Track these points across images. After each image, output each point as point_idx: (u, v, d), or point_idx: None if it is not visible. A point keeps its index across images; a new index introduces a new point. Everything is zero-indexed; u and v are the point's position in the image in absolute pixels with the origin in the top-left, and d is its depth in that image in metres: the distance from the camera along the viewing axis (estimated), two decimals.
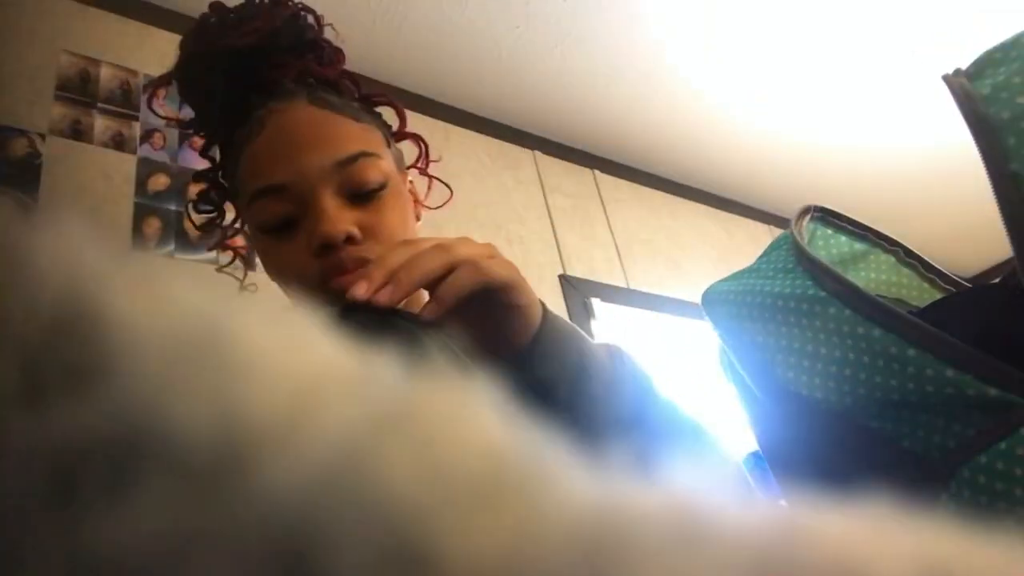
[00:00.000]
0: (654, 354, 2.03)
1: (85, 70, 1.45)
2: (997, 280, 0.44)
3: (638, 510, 0.09)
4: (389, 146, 0.57)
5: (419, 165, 0.65)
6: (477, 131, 2.14)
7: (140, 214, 1.36)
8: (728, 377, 0.54)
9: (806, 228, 0.56)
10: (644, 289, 2.21)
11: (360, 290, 0.37)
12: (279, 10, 0.54)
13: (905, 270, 0.59)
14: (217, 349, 0.10)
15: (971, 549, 0.09)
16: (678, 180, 2.67)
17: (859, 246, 0.59)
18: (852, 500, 0.10)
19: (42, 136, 1.32)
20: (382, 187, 0.52)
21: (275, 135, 0.51)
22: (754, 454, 1.47)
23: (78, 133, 1.37)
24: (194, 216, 0.61)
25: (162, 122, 1.50)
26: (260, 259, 0.55)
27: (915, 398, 0.38)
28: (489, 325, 0.43)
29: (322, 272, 0.49)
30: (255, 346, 0.11)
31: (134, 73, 1.52)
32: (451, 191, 0.66)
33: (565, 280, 2.00)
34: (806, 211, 0.57)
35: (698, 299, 0.57)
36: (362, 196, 0.51)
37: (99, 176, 1.36)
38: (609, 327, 1.96)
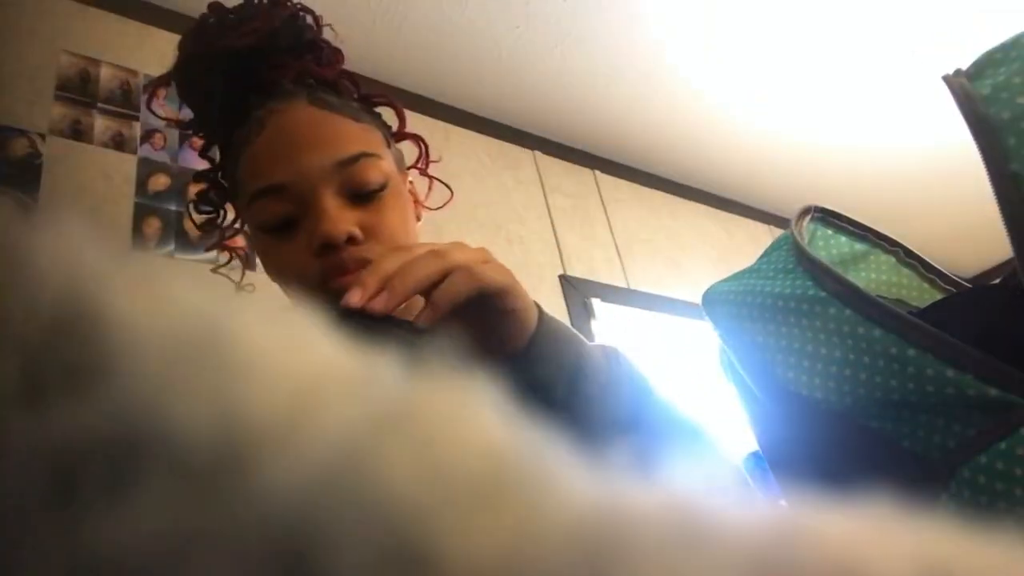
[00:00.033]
0: (654, 354, 2.03)
1: (85, 70, 1.45)
2: (997, 280, 0.44)
3: (638, 510, 0.09)
4: (389, 146, 0.57)
5: (419, 166, 0.65)
6: (477, 131, 2.14)
7: (140, 214, 1.36)
8: (728, 377, 0.54)
9: (806, 228, 0.56)
10: (644, 289, 2.21)
11: (354, 297, 0.37)
12: (278, 11, 0.54)
13: (905, 270, 0.59)
14: (217, 349, 0.10)
15: (971, 549, 0.09)
16: (678, 180, 2.67)
17: (859, 246, 0.59)
18: (852, 500, 0.10)
19: (42, 136, 1.32)
20: (383, 187, 0.52)
21: (275, 135, 0.51)
22: (754, 454, 1.47)
23: (78, 133, 1.37)
24: (194, 216, 0.61)
25: (162, 122, 1.50)
26: (260, 259, 0.55)
27: (915, 398, 0.38)
28: (484, 330, 0.43)
29: (323, 272, 0.49)
30: (255, 346, 0.11)
31: (134, 73, 1.52)
32: (451, 192, 0.66)
33: (565, 280, 2.00)
34: (806, 211, 0.57)
35: (698, 299, 0.57)
36: (363, 196, 0.51)
37: (99, 176, 1.36)
38: (609, 327, 1.96)
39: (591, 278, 2.08)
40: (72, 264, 0.11)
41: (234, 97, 0.53)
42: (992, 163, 0.35)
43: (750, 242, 2.73)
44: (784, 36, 2.10)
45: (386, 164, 0.53)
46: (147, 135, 1.46)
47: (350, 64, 0.60)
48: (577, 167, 2.37)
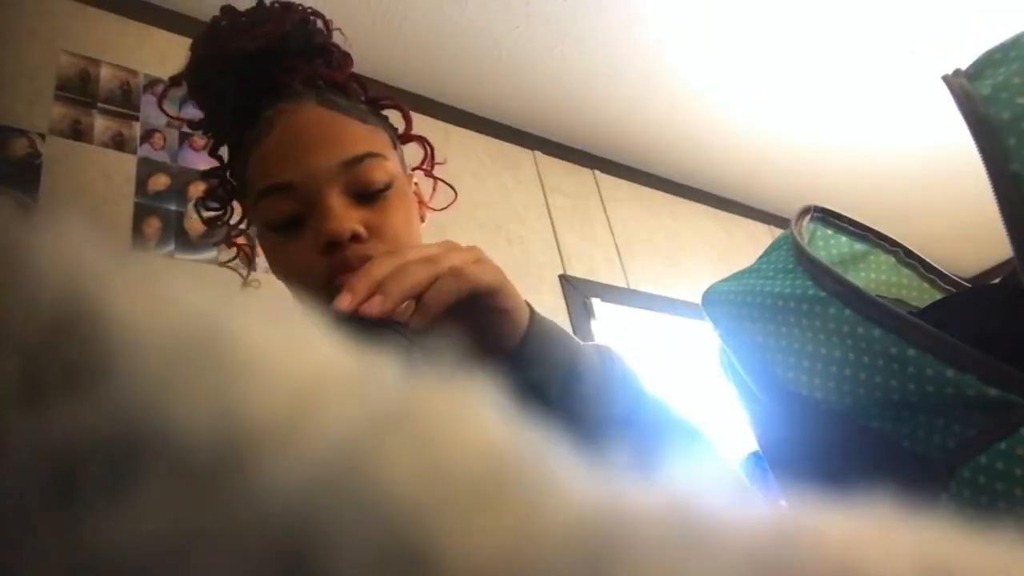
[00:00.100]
0: (654, 354, 2.03)
1: (85, 70, 1.45)
2: (997, 280, 0.44)
3: (638, 510, 0.09)
4: (395, 148, 0.58)
5: (424, 167, 0.65)
6: (477, 131, 2.14)
7: (140, 214, 1.36)
8: (728, 377, 0.54)
9: (806, 228, 0.56)
10: (644, 289, 2.21)
11: (343, 302, 0.38)
12: (289, 14, 0.55)
13: (905, 270, 0.59)
14: (217, 349, 0.10)
15: (971, 549, 0.09)
16: (678, 180, 2.67)
17: (859, 246, 0.59)
18: (852, 500, 0.10)
19: (42, 136, 1.32)
20: (387, 187, 0.52)
21: (283, 135, 0.52)
22: (754, 454, 1.47)
23: (78, 133, 1.37)
24: (201, 213, 0.62)
25: (162, 122, 1.50)
26: (266, 258, 0.55)
27: (915, 398, 0.38)
28: (477, 330, 0.44)
29: (328, 270, 0.49)
30: (255, 346, 0.11)
31: (134, 73, 1.52)
32: (455, 193, 0.66)
33: (565, 280, 2.00)
34: (806, 211, 0.57)
35: (698, 299, 0.57)
36: (368, 196, 0.52)
37: (99, 176, 1.36)
38: (609, 327, 1.96)
39: (591, 278, 2.08)
40: (72, 264, 0.11)
41: (245, 98, 0.54)
42: (992, 163, 0.35)
43: (750, 242, 2.73)
44: (784, 36, 2.10)
45: (391, 165, 0.54)
46: (147, 135, 1.46)
47: None
48: (577, 167, 2.37)
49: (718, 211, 2.77)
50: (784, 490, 0.49)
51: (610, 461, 0.11)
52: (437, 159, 0.66)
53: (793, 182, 2.76)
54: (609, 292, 2.09)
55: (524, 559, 0.08)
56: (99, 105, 1.43)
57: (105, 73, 1.48)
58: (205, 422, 0.09)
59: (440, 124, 2.05)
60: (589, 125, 2.32)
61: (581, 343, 0.49)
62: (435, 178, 0.66)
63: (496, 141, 2.18)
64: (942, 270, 0.58)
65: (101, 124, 1.41)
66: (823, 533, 0.09)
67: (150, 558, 0.08)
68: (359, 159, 0.51)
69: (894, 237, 0.59)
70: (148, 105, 1.50)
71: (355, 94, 0.58)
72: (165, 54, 1.59)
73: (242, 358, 0.10)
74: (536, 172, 2.23)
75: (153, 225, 1.37)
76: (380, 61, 1.91)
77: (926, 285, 0.58)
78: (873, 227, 0.59)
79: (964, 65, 0.41)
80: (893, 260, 0.59)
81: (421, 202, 0.61)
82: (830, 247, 0.58)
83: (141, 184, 1.39)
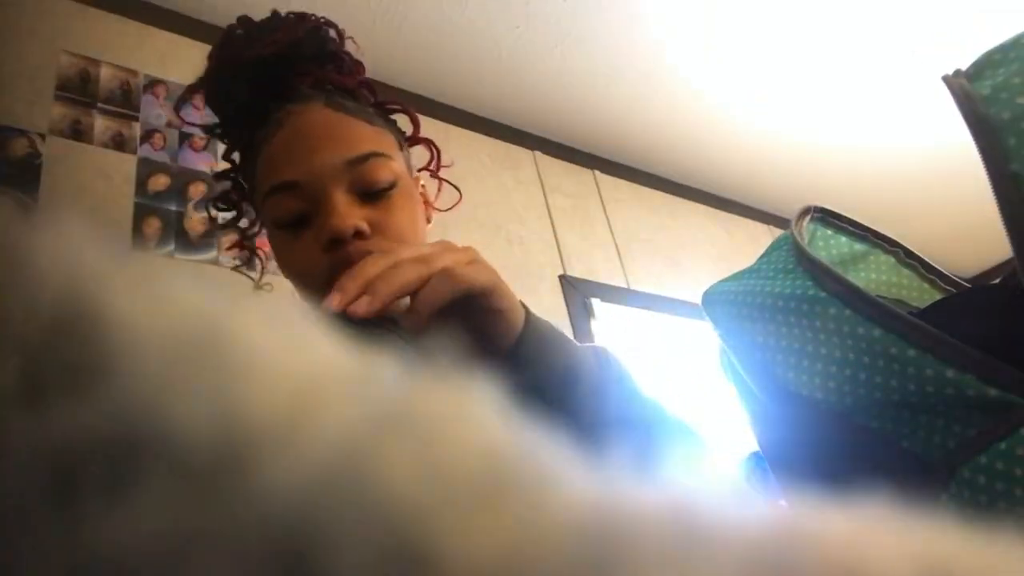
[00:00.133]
0: (654, 354, 2.03)
1: (85, 70, 1.45)
2: (997, 281, 0.44)
3: (638, 510, 0.09)
4: (401, 149, 0.59)
5: (431, 167, 0.66)
6: (477, 131, 2.14)
7: (140, 214, 1.36)
8: (728, 377, 0.54)
9: (806, 229, 0.56)
10: (644, 289, 2.21)
11: (333, 302, 0.38)
12: (302, 23, 0.57)
13: (905, 271, 0.59)
14: (217, 349, 0.10)
15: (971, 549, 0.09)
16: (678, 180, 2.67)
17: (859, 247, 0.59)
18: (852, 500, 0.10)
19: (42, 136, 1.32)
20: (392, 186, 0.53)
21: (291, 135, 0.53)
22: (754, 454, 1.47)
23: (78, 133, 1.37)
24: (213, 214, 0.63)
25: (162, 122, 1.50)
26: (275, 256, 0.56)
27: (915, 398, 0.38)
28: (471, 330, 0.44)
29: (331, 266, 0.49)
30: (255, 346, 0.11)
31: (134, 73, 1.52)
32: (460, 194, 0.67)
33: (565, 280, 2.00)
34: (806, 211, 0.57)
35: (698, 299, 0.57)
36: (372, 194, 0.52)
37: (99, 176, 1.36)
38: (609, 327, 1.96)
39: (591, 278, 2.08)
40: (72, 264, 0.11)
41: (258, 103, 0.56)
42: (992, 163, 0.35)
43: (750, 242, 2.73)
44: (784, 36, 2.10)
45: (396, 165, 0.55)
46: (147, 135, 1.46)
47: None
48: (577, 167, 2.37)
49: (718, 211, 2.77)
50: (784, 490, 0.49)
51: (609, 461, 0.11)
52: (448, 163, 0.67)
53: (793, 182, 2.76)
54: (609, 292, 2.09)
55: (524, 559, 0.08)
56: (99, 105, 1.43)
57: (105, 73, 1.48)
58: (205, 422, 0.09)
59: (440, 124, 2.05)
60: (589, 125, 2.32)
61: (577, 344, 0.49)
62: (440, 179, 0.67)
63: (496, 141, 2.18)
64: (942, 270, 0.58)
65: (101, 124, 1.41)
66: (823, 533, 0.09)
67: (150, 558, 0.08)
68: (364, 158, 0.52)
69: (894, 237, 0.59)
70: (148, 105, 1.50)
71: (364, 99, 0.59)
72: (165, 54, 1.59)
73: (242, 358, 0.10)
74: (536, 172, 2.23)
75: (153, 225, 1.37)
76: (380, 61, 1.91)
77: (926, 285, 0.58)
78: (873, 227, 0.59)
79: (964, 65, 0.41)
80: (893, 260, 0.59)
81: (427, 203, 0.62)
82: (830, 247, 0.58)
83: (141, 184, 1.39)
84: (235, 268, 0.66)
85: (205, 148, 1.49)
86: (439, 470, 0.09)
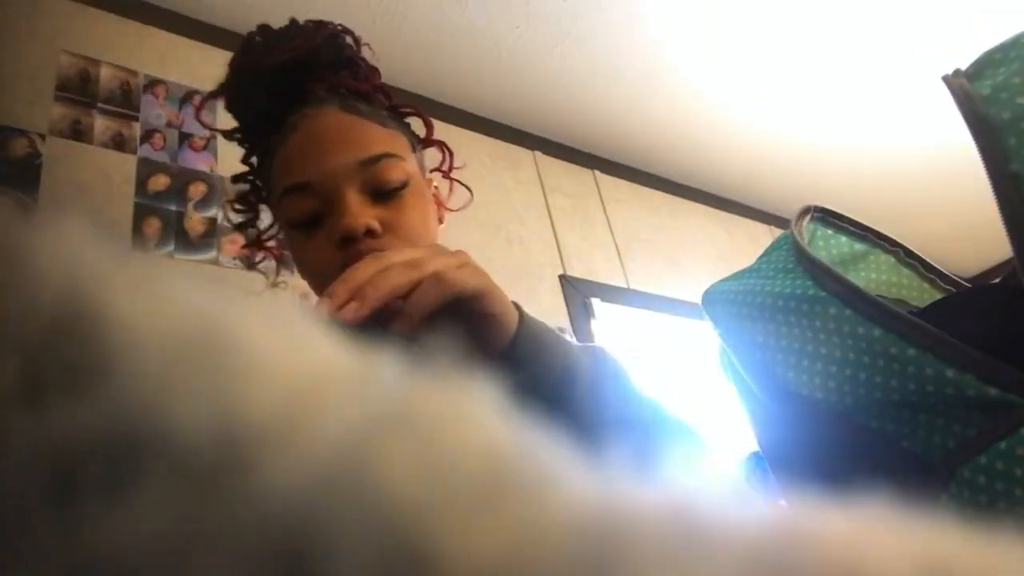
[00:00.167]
0: (654, 354, 2.03)
1: (85, 70, 1.45)
2: (997, 280, 0.44)
3: (637, 510, 0.09)
4: (414, 151, 0.60)
5: (442, 168, 0.68)
6: (477, 131, 2.14)
7: (140, 214, 1.36)
8: (728, 377, 0.54)
9: (806, 228, 0.56)
10: (644, 289, 2.21)
11: (323, 307, 0.38)
12: (320, 31, 0.58)
13: (905, 270, 0.59)
14: (217, 349, 0.10)
15: (971, 549, 0.09)
16: (678, 180, 2.67)
17: (859, 246, 0.59)
18: (852, 500, 0.10)
19: (42, 136, 1.32)
20: (404, 186, 0.54)
21: (305, 137, 0.54)
22: (754, 454, 1.47)
23: (78, 133, 1.37)
24: (232, 216, 0.65)
25: (162, 122, 1.50)
26: (291, 256, 0.58)
27: (915, 398, 0.38)
28: (464, 335, 0.44)
29: (343, 264, 0.50)
30: (255, 346, 0.11)
31: (134, 73, 1.52)
32: (472, 194, 0.69)
33: (565, 280, 2.00)
34: (806, 211, 0.57)
35: (698, 299, 0.57)
36: (384, 194, 0.53)
37: (99, 176, 1.36)
38: (609, 327, 1.96)
39: (591, 278, 2.08)
40: (72, 264, 0.11)
41: (275, 107, 0.57)
42: (992, 163, 0.35)
43: (750, 242, 2.73)
44: (784, 36, 2.10)
45: (408, 165, 0.56)
46: (147, 135, 1.46)
47: None
48: (577, 167, 2.37)
49: (718, 211, 2.77)
50: (784, 490, 0.49)
51: (608, 461, 0.11)
52: (460, 164, 0.69)
53: (793, 182, 2.76)
54: (609, 292, 2.09)
55: (524, 559, 0.08)
56: (99, 105, 1.43)
57: (105, 73, 1.48)
58: (205, 422, 0.09)
59: (440, 124, 2.03)
60: (589, 125, 2.32)
61: (573, 344, 0.49)
62: (452, 179, 0.68)
63: (496, 141, 2.18)
64: (942, 270, 0.59)
65: (101, 124, 1.41)
66: (823, 533, 0.09)
67: (150, 558, 0.08)
68: (376, 159, 0.53)
69: (894, 237, 0.59)
70: (148, 105, 1.50)
71: (379, 103, 0.60)
72: (165, 54, 1.59)
73: (242, 358, 0.10)
74: (536, 172, 2.23)
75: (153, 225, 1.37)
76: (380, 61, 1.90)
77: (926, 285, 0.58)
78: (873, 227, 0.59)
79: (964, 65, 0.41)
80: (893, 260, 0.59)
81: (440, 204, 0.64)
82: (830, 247, 0.58)
83: (141, 184, 1.39)
84: (251, 267, 0.67)
85: (205, 148, 1.49)
86: (439, 470, 0.09)
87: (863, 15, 2.07)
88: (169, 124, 1.50)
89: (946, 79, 0.40)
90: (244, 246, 0.67)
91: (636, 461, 0.11)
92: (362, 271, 0.40)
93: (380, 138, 0.55)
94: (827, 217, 0.58)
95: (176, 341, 0.10)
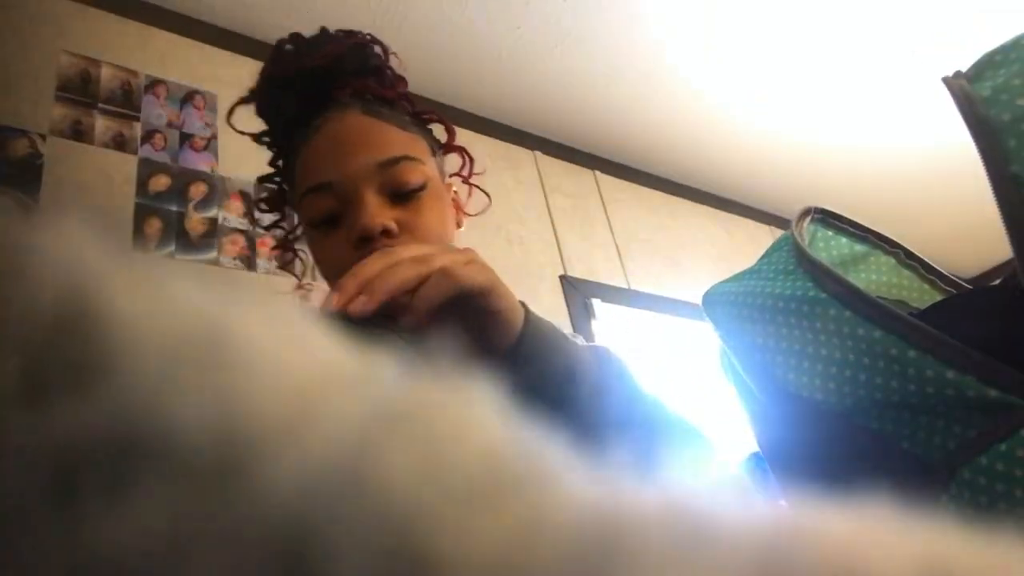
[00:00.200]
0: (654, 354, 2.03)
1: (86, 70, 1.45)
2: (997, 282, 0.44)
3: (638, 510, 0.09)
4: (434, 155, 0.62)
5: (462, 173, 0.69)
6: (477, 131, 2.14)
7: (141, 215, 1.36)
8: (728, 378, 0.54)
9: (807, 230, 0.56)
10: (644, 289, 2.21)
11: (333, 301, 0.38)
12: (348, 39, 0.61)
13: (906, 272, 0.59)
14: (218, 348, 0.10)
15: (971, 550, 0.09)
16: (678, 180, 2.67)
17: (860, 248, 0.59)
18: (852, 501, 0.10)
19: (43, 136, 1.32)
20: (422, 188, 0.55)
21: (327, 139, 0.56)
22: (754, 454, 1.47)
23: (79, 134, 1.37)
24: (258, 217, 0.67)
25: (163, 122, 1.50)
26: (312, 256, 0.59)
27: (915, 399, 0.38)
28: (470, 331, 0.44)
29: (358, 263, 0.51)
30: (256, 345, 0.11)
31: (135, 73, 1.52)
32: (490, 200, 0.71)
33: (565, 280, 2.00)
34: (807, 212, 0.57)
35: (698, 300, 0.57)
36: (402, 196, 0.55)
37: (100, 176, 1.36)
38: (609, 327, 1.96)
39: (591, 278, 2.08)
40: (73, 263, 0.11)
41: (303, 112, 0.59)
42: (992, 165, 0.35)
43: (750, 242, 2.73)
44: (784, 36, 2.10)
45: (427, 169, 0.57)
46: (148, 135, 1.46)
47: None
48: (577, 167, 2.37)
49: (718, 211, 2.77)
50: (784, 490, 0.49)
51: (609, 461, 0.11)
52: (480, 171, 0.71)
53: (793, 182, 2.76)
54: (609, 292, 2.09)
55: (524, 558, 0.08)
56: (100, 105, 1.43)
57: (106, 73, 1.48)
58: (206, 421, 0.09)
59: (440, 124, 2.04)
60: (589, 125, 2.32)
61: (578, 344, 0.49)
62: (471, 185, 0.70)
63: (496, 141, 2.18)
64: (942, 271, 0.58)
65: (102, 124, 1.41)
66: (823, 533, 0.09)
67: (150, 558, 0.08)
68: (395, 161, 0.54)
69: (894, 238, 0.59)
70: (149, 105, 1.50)
71: (402, 108, 0.62)
72: (165, 54, 1.59)
73: (243, 357, 0.10)
74: (536, 172, 2.23)
75: (154, 226, 1.37)
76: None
77: (927, 286, 0.58)
78: (873, 228, 0.59)
79: (964, 66, 0.41)
80: (893, 261, 0.59)
81: (459, 208, 0.65)
82: (830, 248, 0.58)
83: (142, 184, 1.39)
84: (280, 267, 0.69)
85: (205, 148, 1.49)
86: (439, 470, 0.09)
87: (863, 15, 2.07)
88: (170, 124, 1.50)
89: (946, 80, 0.40)
90: (274, 247, 0.69)
91: (639, 461, 0.11)
92: (371, 266, 0.40)
93: (400, 141, 0.57)
94: (827, 218, 0.58)
95: (177, 340, 0.10)
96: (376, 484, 0.09)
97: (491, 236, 1.92)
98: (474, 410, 0.11)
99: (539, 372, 0.45)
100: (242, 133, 0.66)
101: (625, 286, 2.17)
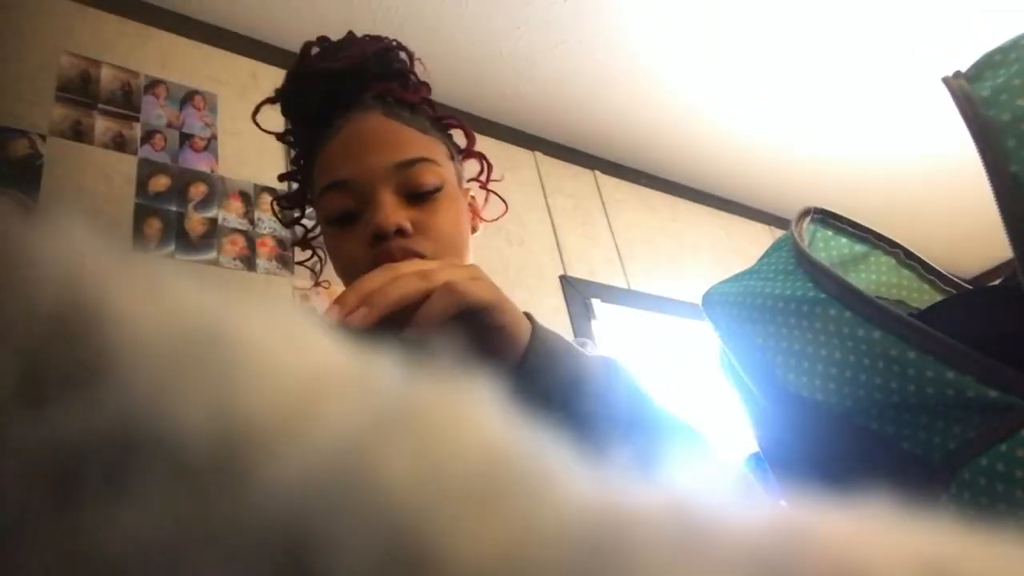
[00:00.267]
0: (655, 355, 2.03)
1: (86, 71, 1.45)
2: (997, 282, 0.44)
3: (639, 511, 0.09)
4: (452, 159, 0.63)
5: (480, 179, 0.70)
6: (477, 132, 2.14)
7: (141, 215, 1.36)
8: (729, 378, 0.54)
9: (806, 230, 0.56)
10: (644, 290, 2.21)
11: (332, 314, 0.38)
12: (373, 43, 0.62)
13: (905, 272, 0.59)
14: (217, 348, 0.10)
15: (971, 550, 0.09)
16: (678, 180, 2.67)
17: (859, 248, 0.59)
18: (852, 501, 0.10)
19: (43, 137, 1.32)
20: (438, 189, 0.56)
21: (347, 138, 0.57)
22: (754, 455, 1.47)
23: (79, 134, 1.37)
24: (278, 212, 0.68)
25: (163, 123, 1.50)
26: (328, 253, 0.60)
27: (915, 400, 0.38)
28: (476, 347, 0.44)
29: (373, 261, 0.52)
30: (255, 345, 0.11)
31: (135, 74, 1.52)
32: (507, 207, 0.72)
33: (566, 281, 2.00)
34: (806, 213, 0.57)
35: (698, 300, 0.57)
36: (418, 197, 0.56)
37: (100, 177, 1.36)
38: (610, 328, 1.96)
39: (591, 279, 2.08)
40: (72, 264, 0.11)
41: (326, 112, 0.60)
42: (992, 165, 0.35)
43: (750, 243, 2.73)
44: (784, 37, 2.11)
45: (444, 171, 0.58)
46: (147, 136, 1.46)
47: None
48: (577, 168, 2.37)
49: (718, 212, 2.77)
50: (784, 491, 0.49)
51: (610, 462, 0.11)
52: (498, 177, 0.71)
53: (793, 183, 2.76)
54: (610, 293, 2.09)
55: (524, 559, 0.08)
56: (100, 106, 1.43)
57: (106, 74, 1.48)
58: (205, 421, 0.09)
59: None
60: (589, 126, 2.32)
61: (585, 355, 0.49)
62: (488, 191, 0.71)
63: (496, 141, 2.18)
64: (942, 271, 0.58)
65: (102, 125, 1.41)
66: (823, 534, 0.09)
67: (150, 558, 0.08)
68: (412, 162, 0.55)
69: (894, 238, 0.59)
70: (149, 106, 1.50)
71: (423, 113, 0.63)
72: (166, 55, 1.59)
73: (242, 358, 0.10)
74: (537, 173, 2.23)
75: (154, 226, 1.37)
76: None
77: (926, 286, 0.58)
78: (873, 228, 0.59)
79: (964, 66, 0.41)
80: (893, 261, 0.59)
81: (475, 213, 0.66)
82: (830, 248, 0.58)
83: (142, 185, 1.39)
84: (299, 263, 0.70)
85: (205, 149, 1.49)
86: (439, 470, 0.09)
87: (863, 15, 2.07)
88: (170, 125, 1.50)
89: (946, 81, 0.40)
90: (293, 244, 0.70)
91: (643, 464, 0.11)
92: (372, 280, 0.40)
93: (418, 143, 0.58)
94: (827, 218, 0.58)
95: (176, 340, 0.10)
96: (375, 484, 0.09)
97: (491, 236, 1.92)
98: (474, 410, 0.11)
99: (545, 384, 0.45)
100: (268, 132, 0.67)
101: (625, 286, 2.17)
